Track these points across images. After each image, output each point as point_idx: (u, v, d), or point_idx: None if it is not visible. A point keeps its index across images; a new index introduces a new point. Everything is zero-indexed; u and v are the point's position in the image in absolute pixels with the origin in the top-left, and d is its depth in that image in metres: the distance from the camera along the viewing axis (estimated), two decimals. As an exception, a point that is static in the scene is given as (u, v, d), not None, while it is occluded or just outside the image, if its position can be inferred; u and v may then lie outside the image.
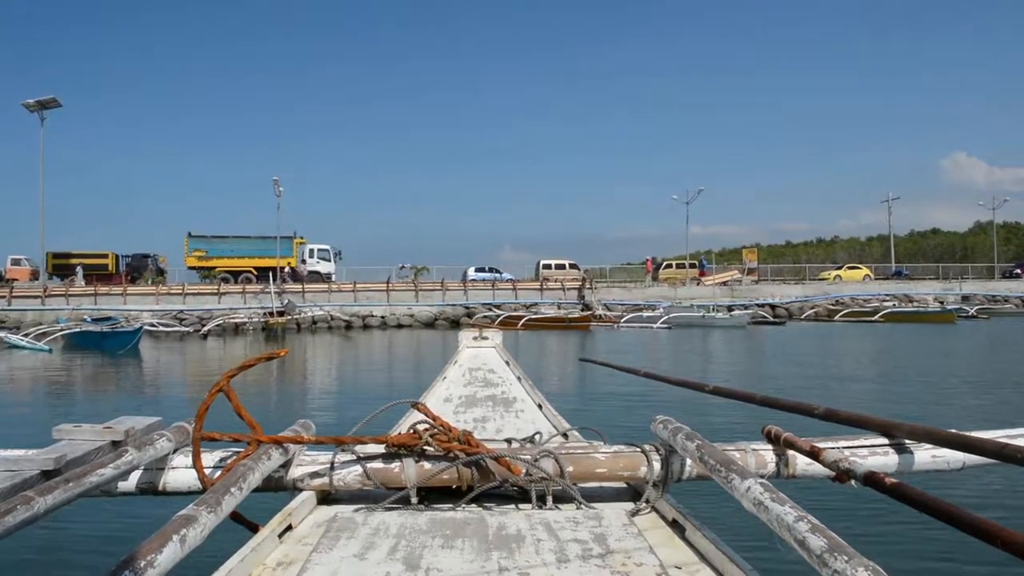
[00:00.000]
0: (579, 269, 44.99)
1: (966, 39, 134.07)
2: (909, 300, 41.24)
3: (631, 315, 35.40)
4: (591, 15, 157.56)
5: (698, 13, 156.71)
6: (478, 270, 43.75)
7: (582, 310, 37.07)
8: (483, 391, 4.08)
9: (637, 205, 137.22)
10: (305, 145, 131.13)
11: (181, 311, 34.70)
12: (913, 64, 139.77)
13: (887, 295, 42.20)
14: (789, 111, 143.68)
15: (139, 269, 41.66)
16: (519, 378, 4.45)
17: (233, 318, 33.28)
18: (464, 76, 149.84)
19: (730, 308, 36.89)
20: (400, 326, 35.89)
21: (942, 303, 39.77)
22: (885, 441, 1.99)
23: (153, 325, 30.14)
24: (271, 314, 33.00)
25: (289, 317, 32.88)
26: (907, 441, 1.97)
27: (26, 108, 41.87)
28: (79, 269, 39.64)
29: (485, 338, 5.76)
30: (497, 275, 43.34)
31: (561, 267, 45.04)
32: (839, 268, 50.50)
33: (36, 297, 35.18)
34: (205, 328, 31.65)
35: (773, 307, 39.56)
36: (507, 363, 5.00)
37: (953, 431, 1.79)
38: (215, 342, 27.53)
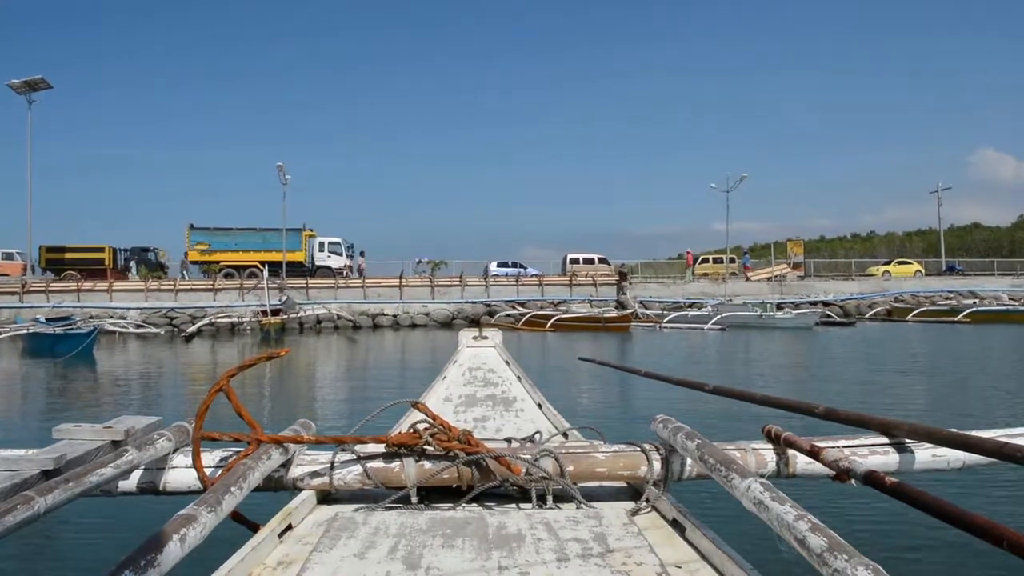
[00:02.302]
0: (609, 264, 41.29)
1: (987, 35, 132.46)
2: (976, 297, 37.53)
3: (675, 314, 31.08)
4: (613, 14, 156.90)
5: (715, 12, 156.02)
6: (500, 265, 40.22)
7: (616, 308, 33.09)
8: (483, 391, 4.09)
9: (654, 202, 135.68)
10: (317, 143, 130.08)
11: (172, 309, 31.81)
12: (934, 62, 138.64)
13: (951, 292, 38.70)
14: (807, 109, 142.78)
15: (138, 263, 38.70)
16: (519, 377, 4.45)
17: (222, 317, 30.09)
18: (479, 76, 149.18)
19: (779, 306, 32.49)
20: (414, 326, 32.47)
21: (1019, 301, 35.87)
22: (885, 440, 1.99)
23: (123, 326, 27.65)
24: (264, 313, 29.14)
25: (286, 316, 29.51)
26: (907, 440, 1.97)
27: (12, 89, 38.74)
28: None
29: (485, 337, 5.77)
30: (521, 270, 39.74)
31: (590, 261, 41.03)
32: (887, 263, 46.15)
33: (14, 293, 32.19)
34: (190, 329, 28.24)
35: (826, 304, 35.68)
36: (507, 362, 5.00)
37: (953, 430, 1.79)
38: (201, 345, 24.51)
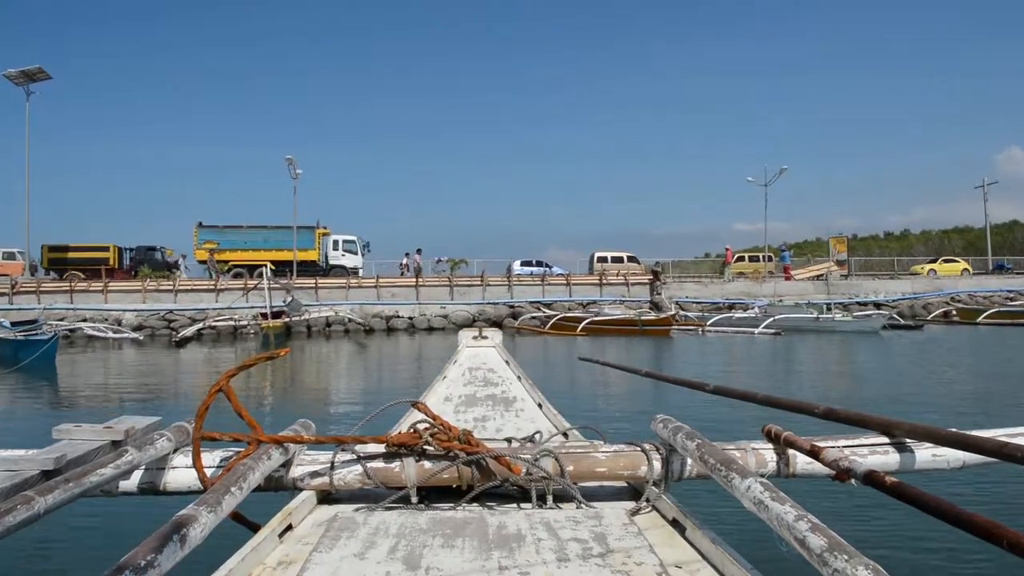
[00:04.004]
0: (639, 262, 39.35)
1: (1008, 34, 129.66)
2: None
3: (718, 316, 28.73)
4: (630, 14, 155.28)
5: (721, 12, 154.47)
6: (524, 264, 38.01)
7: (651, 309, 30.65)
8: (483, 390, 4.09)
9: (673, 203, 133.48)
10: (335, 141, 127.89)
11: (171, 311, 30.04)
12: (955, 61, 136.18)
13: (1010, 291, 36.23)
14: (826, 109, 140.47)
15: (144, 263, 36.89)
16: (519, 377, 4.46)
17: (220, 320, 28.30)
18: (496, 76, 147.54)
19: (828, 307, 29.38)
20: (431, 329, 30.11)
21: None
22: (885, 440, 1.99)
23: (103, 331, 26.19)
24: (264, 315, 27.38)
25: (289, 319, 27.73)
26: (907, 440, 1.97)
27: (9, 80, 37.14)
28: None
29: (485, 337, 5.80)
30: (547, 269, 37.55)
31: (618, 260, 38.91)
32: (933, 261, 43.38)
33: (3, 294, 30.38)
34: (182, 333, 26.26)
35: (878, 305, 33.57)
36: (507, 362, 5.02)
37: (953, 430, 1.79)
38: (196, 351, 22.55)
